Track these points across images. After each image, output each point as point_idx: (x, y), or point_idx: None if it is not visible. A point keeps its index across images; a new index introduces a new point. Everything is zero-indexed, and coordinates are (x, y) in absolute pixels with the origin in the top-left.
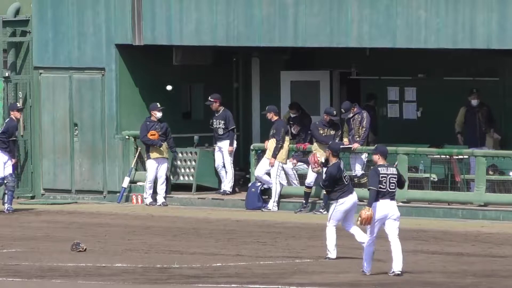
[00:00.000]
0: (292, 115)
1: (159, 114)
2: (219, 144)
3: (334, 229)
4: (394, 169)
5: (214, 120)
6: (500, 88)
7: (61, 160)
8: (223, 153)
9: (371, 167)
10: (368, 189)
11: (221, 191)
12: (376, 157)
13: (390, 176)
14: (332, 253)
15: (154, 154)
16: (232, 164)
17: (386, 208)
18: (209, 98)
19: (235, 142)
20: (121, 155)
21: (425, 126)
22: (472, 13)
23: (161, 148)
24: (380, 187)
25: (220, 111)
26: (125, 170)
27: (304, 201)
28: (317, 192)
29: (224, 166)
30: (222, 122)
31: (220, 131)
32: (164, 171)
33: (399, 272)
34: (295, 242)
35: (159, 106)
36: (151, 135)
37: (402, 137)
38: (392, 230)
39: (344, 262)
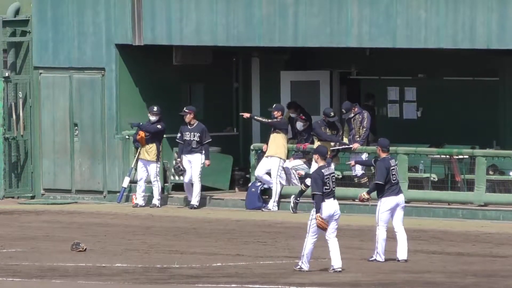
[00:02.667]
0: (292, 115)
1: (152, 118)
2: (190, 157)
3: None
4: (333, 168)
5: (187, 133)
6: (500, 88)
7: (61, 160)
8: (193, 166)
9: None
10: (313, 195)
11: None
12: (316, 157)
13: (332, 175)
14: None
15: (140, 155)
16: (199, 178)
17: (332, 207)
18: (184, 109)
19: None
20: (121, 155)
21: (425, 126)
22: (472, 13)
23: (145, 151)
24: (326, 188)
25: (195, 124)
26: (125, 170)
27: (298, 197)
28: None
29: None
30: (198, 135)
31: (194, 144)
32: (152, 174)
33: (340, 269)
34: (295, 242)
35: (154, 109)
36: (139, 135)
37: (402, 137)
38: (333, 228)
39: (344, 262)
